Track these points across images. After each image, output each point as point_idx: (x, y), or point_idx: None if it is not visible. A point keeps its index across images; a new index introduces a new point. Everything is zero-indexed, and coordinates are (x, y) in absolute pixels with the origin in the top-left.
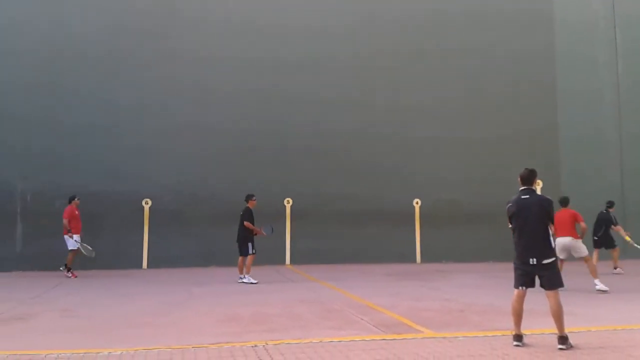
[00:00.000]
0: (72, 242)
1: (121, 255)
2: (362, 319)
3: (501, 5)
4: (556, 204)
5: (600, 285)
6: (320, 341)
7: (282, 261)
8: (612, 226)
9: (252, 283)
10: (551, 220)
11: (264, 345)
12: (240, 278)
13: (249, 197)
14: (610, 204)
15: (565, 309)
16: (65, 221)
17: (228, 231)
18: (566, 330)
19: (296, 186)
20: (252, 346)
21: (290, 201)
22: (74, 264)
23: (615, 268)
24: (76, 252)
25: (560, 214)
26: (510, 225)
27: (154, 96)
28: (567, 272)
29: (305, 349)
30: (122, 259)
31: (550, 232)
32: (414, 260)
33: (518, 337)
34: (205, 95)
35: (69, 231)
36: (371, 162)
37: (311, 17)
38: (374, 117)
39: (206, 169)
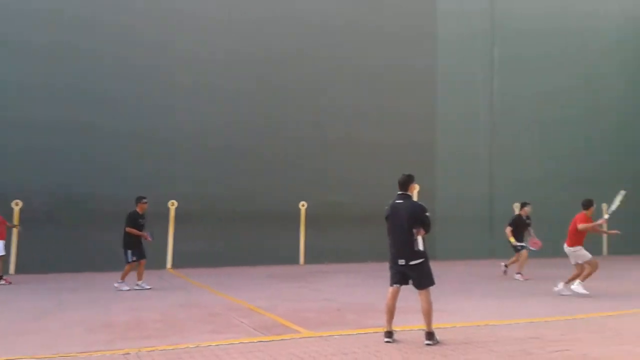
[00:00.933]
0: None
1: None
2: (242, 322)
3: (384, 21)
4: None
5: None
6: (197, 346)
7: (163, 265)
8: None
9: (145, 289)
10: (422, 224)
11: (136, 353)
12: (138, 285)
13: (138, 200)
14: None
15: (435, 306)
16: None
17: (108, 234)
18: (434, 327)
19: (180, 187)
20: (124, 354)
21: (175, 203)
22: None
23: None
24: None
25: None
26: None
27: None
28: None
29: (181, 355)
30: None
31: (419, 237)
32: (297, 262)
33: (389, 334)
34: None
35: None
36: (257, 163)
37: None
38: (260, 117)
39: (85, 168)
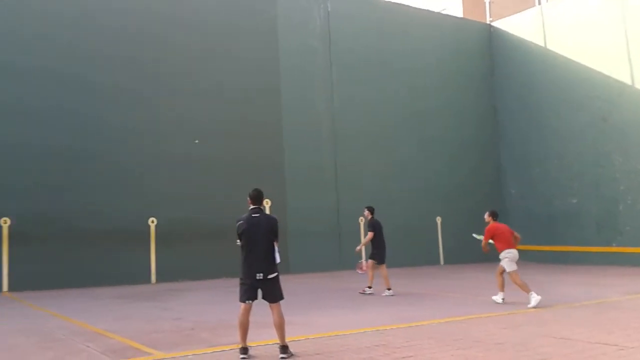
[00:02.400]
0: None
1: None
2: (88, 347)
3: (230, 47)
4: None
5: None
6: None
7: None
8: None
9: None
10: (276, 237)
11: None
12: None
13: None
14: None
15: (287, 318)
16: None
17: None
18: (287, 340)
19: (14, 203)
20: None
21: (8, 221)
22: None
23: (389, 289)
24: None
25: (499, 226)
26: (238, 242)
27: None
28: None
29: None
30: None
31: (276, 248)
32: (148, 281)
33: (244, 350)
34: None
35: None
36: (102, 177)
37: None
38: (105, 130)
39: None
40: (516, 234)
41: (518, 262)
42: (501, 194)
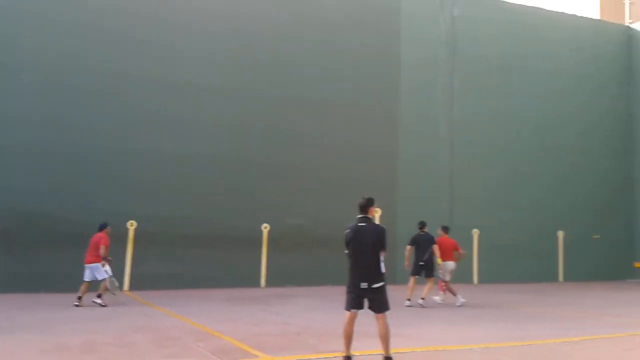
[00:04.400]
0: None
1: None
2: (199, 346)
3: (350, 41)
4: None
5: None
6: None
7: (120, 286)
8: (434, 246)
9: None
10: (384, 247)
11: None
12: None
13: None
14: (423, 224)
15: (394, 330)
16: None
17: (61, 254)
18: (392, 351)
19: (140, 207)
20: None
21: (134, 224)
22: None
23: (423, 298)
24: None
25: (444, 240)
26: (346, 251)
27: None
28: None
29: None
30: None
31: (381, 258)
32: (258, 285)
33: (348, 358)
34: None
35: None
36: (218, 186)
37: None
38: (224, 141)
39: (38, 187)
40: (461, 250)
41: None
42: (633, 204)
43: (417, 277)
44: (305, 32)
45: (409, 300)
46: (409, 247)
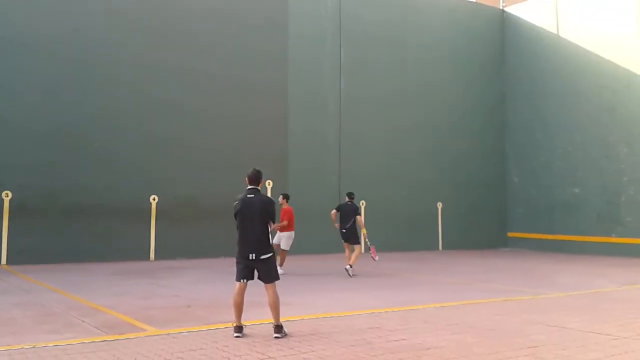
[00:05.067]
0: None
1: None
2: (83, 321)
3: (238, 10)
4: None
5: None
6: (34, 346)
7: None
8: (358, 216)
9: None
10: (272, 218)
11: None
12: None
13: None
14: (351, 195)
15: (282, 299)
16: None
17: None
18: (282, 320)
19: (16, 177)
20: None
21: (9, 194)
22: None
23: (350, 266)
24: None
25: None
26: (235, 222)
27: None
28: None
29: (15, 356)
30: None
31: (270, 230)
32: (147, 258)
33: (238, 329)
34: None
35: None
36: (106, 154)
37: None
38: (112, 111)
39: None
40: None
41: None
42: (505, 181)
43: (346, 243)
44: (193, 0)
45: (350, 266)
46: (333, 211)
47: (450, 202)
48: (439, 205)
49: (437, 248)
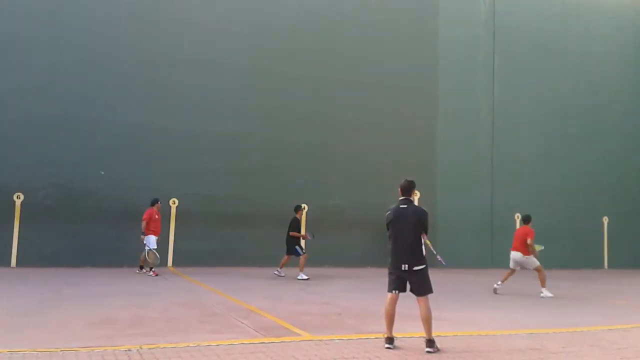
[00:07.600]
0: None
1: None
2: (242, 323)
3: (390, 16)
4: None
5: (545, 293)
6: (198, 345)
7: (164, 263)
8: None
9: (304, 279)
10: (425, 230)
11: (138, 350)
12: (278, 272)
13: (297, 209)
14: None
15: (435, 313)
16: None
17: (107, 230)
18: (434, 334)
19: (182, 186)
20: (126, 350)
21: (176, 202)
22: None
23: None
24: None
25: (518, 230)
26: (388, 233)
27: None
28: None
29: (181, 353)
30: None
31: (423, 241)
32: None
33: (390, 340)
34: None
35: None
36: (260, 166)
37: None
38: (265, 121)
39: (86, 163)
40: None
41: None
42: None
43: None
44: (339, 6)
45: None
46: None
47: (617, 216)
48: (605, 219)
49: (603, 266)
